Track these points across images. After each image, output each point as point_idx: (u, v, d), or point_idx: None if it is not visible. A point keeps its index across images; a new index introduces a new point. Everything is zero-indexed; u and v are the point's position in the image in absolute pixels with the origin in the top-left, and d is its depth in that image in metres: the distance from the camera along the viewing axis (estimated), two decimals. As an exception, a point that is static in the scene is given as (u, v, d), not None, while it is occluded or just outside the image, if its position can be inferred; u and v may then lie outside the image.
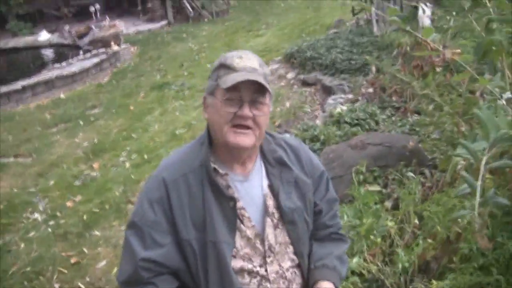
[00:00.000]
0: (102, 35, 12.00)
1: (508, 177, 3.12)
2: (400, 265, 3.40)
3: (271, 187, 2.31)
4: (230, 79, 2.10)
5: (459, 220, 3.16)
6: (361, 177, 4.51)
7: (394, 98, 6.51)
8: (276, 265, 2.30)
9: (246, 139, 2.18)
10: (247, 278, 2.25)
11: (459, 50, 3.92)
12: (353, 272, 3.44)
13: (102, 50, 11.66)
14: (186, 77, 9.90)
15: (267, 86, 2.13)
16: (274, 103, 7.58)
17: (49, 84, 10.18)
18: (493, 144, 2.65)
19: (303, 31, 12.13)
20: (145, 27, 15.22)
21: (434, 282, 3.14)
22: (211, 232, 2.17)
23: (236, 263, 2.23)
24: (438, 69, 5.16)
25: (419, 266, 3.43)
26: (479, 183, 2.48)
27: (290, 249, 2.35)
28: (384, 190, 4.46)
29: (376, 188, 4.43)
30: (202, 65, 10.42)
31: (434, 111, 4.80)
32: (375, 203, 4.05)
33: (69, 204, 5.87)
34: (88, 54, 11.52)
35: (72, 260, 4.79)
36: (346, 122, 5.99)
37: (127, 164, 6.68)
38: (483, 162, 2.56)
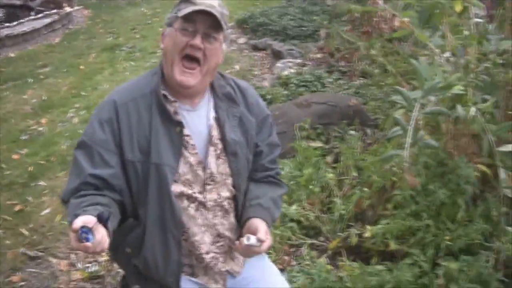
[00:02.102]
0: (54, -4, 11.84)
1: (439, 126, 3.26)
2: (337, 213, 3.52)
3: (217, 119, 2.40)
4: (188, 9, 2.17)
5: (394, 168, 3.28)
6: (305, 133, 4.61)
7: (342, 63, 6.64)
8: (215, 194, 2.40)
9: (190, 79, 2.26)
10: (185, 203, 2.34)
11: (407, 19, 4.03)
12: (292, 219, 3.54)
13: (54, 11, 11.48)
14: (138, 39, 9.88)
15: (222, 22, 2.21)
16: (224, 65, 7.62)
17: (-1, 42, 10.02)
18: (427, 92, 2.77)
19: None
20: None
21: (368, 227, 3.27)
22: (155, 154, 2.25)
23: (177, 188, 2.31)
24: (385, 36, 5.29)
25: (356, 214, 3.57)
26: (411, 125, 2.60)
27: (230, 180, 2.44)
28: (326, 146, 4.58)
29: (318, 144, 4.54)
30: (154, 28, 10.38)
31: (379, 73, 4.93)
32: (316, 157, 4.16)
33: (15, 156, 5.85)
34: (40, 15, 11.34)
35: (16, 208, 4.80)
36: (293, 84, 6.09)
37: (76, 120, 6.67)
38: (416, 107, 2.67)
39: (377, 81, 4.87)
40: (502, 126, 3.06)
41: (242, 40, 8.74)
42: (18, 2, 12.93)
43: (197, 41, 2.21)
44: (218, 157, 2.40)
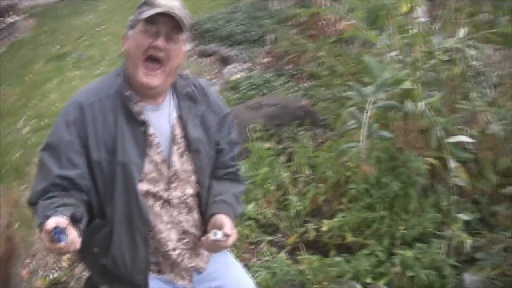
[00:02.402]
0: (-2, 6, 11.71)
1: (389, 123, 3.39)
2: (293, 210, 3.61)
3: (179, 118, 2.46)
4: (150, 12, 2.23)
5: (348, 163, 3.39)
6: (257, 134, 4.70)
7: (290, 66, 6.75)
8: (179, 191, 2.46)
9: (154, 79, 2.32)
10: (151, 201, 2.40)
11: (353, 21, 4.17)
12: (249, 218, 3.61)
13: (-2, 21, 11.37)
14: (86, 48, 9.87)
15: (184, 23, 2.27)
16: (173, 71, 7.68)
17: None
18: (378, 87, 2.88)
19: (203, 6, 12.23)
20: (43, 0, 14.91)
21: (325, 221, 3.37)
22: (121, 154, 2.30)
23: (143, 186, 2.36)
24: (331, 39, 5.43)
25: (312, 210, 3.66)
26: (365, 119, 2.71)
27: (193, 177, 2.51)
28: (278, 146, 4.67)
29: (271, 144, 4.63)
30: (101, 36, 10.38)
31: (327, 74, 5.05)
32: (270, 157, 4.25)
33: (-35, 168, 5.79)
34: (-17, 25, 11.22)
35: (-29, 219, 4.75)
36: (243, 88, 6.18)
37: (26, 129, 6.66)
38: (370, 102, 2.78)
39: (325, 82, 4.98)
40: (450, 119, 3.21)
41: (189, 46, 8.74)
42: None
43: (160, 42, 2.26)
44: (181, 155, 2.46)
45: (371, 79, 2.97)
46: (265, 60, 7.32)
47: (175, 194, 2.45)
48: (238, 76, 6.68)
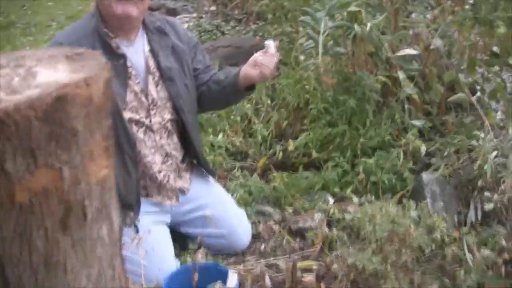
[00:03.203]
0: None
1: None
2: (260, 136, 3.86)
3: (152, 51, 2.70)
4: None
5: (306, 87, 3.64)
6: (215, 74, 4.90)
7: (236, 12, 6.94)
8: (158, 117, 2.71)
9: (131, 8, 2.54)
10: (134, 128, 2.65)
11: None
12: (219, 147, 3.85)
13: None
14: (30, 15, 9.81)
15: None
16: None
17: None
18: (329, 10, 3.13)
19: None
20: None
21: (291, 141, 3.64)
22: None
23: (126, 115, 2.59)
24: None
25: (277, 134, 3.92)
26: (320, 38, 2.96)
27: (169, 104, 2.75)
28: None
29: (230, 81, 4.83)
30: (44, 3, 10.34)
31: (274, 13, 5.25)
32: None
33: None
34: None
35: None
36: (195, 35, 6.33)
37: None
38: (322, 24, 3.03)
39: (274, 20, 5.19)
40: (395, 35, 3.48)
41: (134, 2, 8.85)
42: None
43: None
44: (156, 84, 2.71)
45: (321, 5, 3.21)
46: (212, 8, 7.48)
47: (154, 120, 2.70)
48: (188, 25, 6.84)
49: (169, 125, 2.79)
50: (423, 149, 3.43)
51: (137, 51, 2.70)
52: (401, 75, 3.32)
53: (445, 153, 3.47)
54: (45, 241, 1.11)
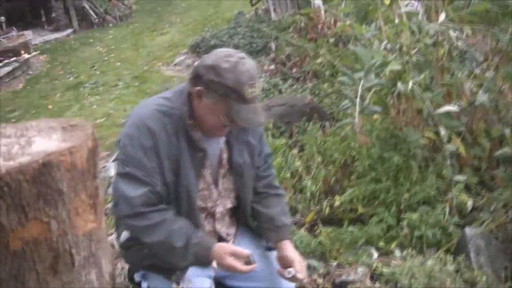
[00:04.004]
0: (11, 45, 12.15)
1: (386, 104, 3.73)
2: (308, 192, 3.97)
3: (227, 143, 2.79)
4: (243, 118, 2.52)
5: (351, 144, 3.74)
6: (269, 132, 5.06)
7: (294, 70, 7.12)
8: (221, 207, 2.83)
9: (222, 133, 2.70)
10: (202, 215, 2.77)
11: (348, 22, 4.53)
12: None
13: (13, 59, 11.77)
14: (98, 75, 10.23)
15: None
16: (185, 88, 8.04)
17: (-35, 96, 10.24)
18: (367, 70, 3.25)
19: (205, 26, 12.64)
20: (51, 36, 15.37)
21: (337, 197, 3.73)
22: (184, 176, 2.61)
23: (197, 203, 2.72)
24: (330, 40, 5.79)
25: (325, 190, 4.00)
26: (358, 99, 3.07)
27: (233, 194, 2.87)
28: (290, 140, 5.03)
29: (282, 140, 4.98)
30: (112, 63, 10.77)
31: (328, 72, 5.41)
32: (283, 149, 4.61)
33: None
34: (0, 64, 11.63)
35: None
36: (253, 94, 6.52)
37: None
38: (360, 83, 3.15)
39: (327, 79, 5.35)
40: (436, 93, 3.55)
41: (197, 63, 9.14)
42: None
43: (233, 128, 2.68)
44: (224, 176, 2.83)
45: (360, 65, 3.32)
46: (271, 67, 7.68)
47: (218, 209, 2.82)
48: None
49: (230, 213, 2.94)
50: (469, 203, 3.46)
51: (214, 142, 2.77)
52: (442, 131, 3.39)
53: (492, 208, 3.46)
54: (37, 282, 1.33)
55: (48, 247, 1.32)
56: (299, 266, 2.68)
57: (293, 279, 2.68)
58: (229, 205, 2.88)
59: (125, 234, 2.70)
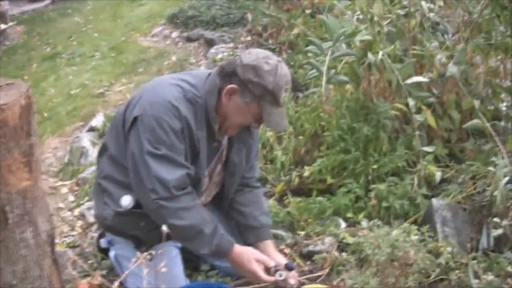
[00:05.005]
0: (-13, 15, 11.97)
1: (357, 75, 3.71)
2: (278, 163, 3.97)
3: (229, 139, 2.83)
4: (273, 121, 2.63)
5: (321, 114, 3.73)
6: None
7: (270, 41, 7.07)
8: (204, 197, 2.87)
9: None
10: None
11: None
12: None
13: (-12, 30, 11.63)
14: (75, 46, 10.12)
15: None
16: (161, 58, 8.02)
17: None
18: (336, 40, 3.23)
19: (184, -3, 12.54)
20: (29, 7, 15.07)
21: (306, 167, 3.73)
22: (200, 166, 2.67)
23: None
24: (306, 11, 5.75)
25: (295, 161, 4.00)
26: (325, 68, 3.06)
27: (217, 189, 2.95)
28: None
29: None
30: (89, 34, 10.64)
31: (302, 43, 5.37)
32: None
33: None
34: (-26, 35, 11.49)
35: None
36: (228, 65, 6.49)
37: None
38: (328, 53, 3.13)
39: (301, 50, 5.31)
40: (406, 63, 3.54)
41: (175, 34, 9.09)
42: (-51, 27, 12.96)
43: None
44: (219, 172, 2.86)
45: (329, 35, 3.30)
46: (247, 38, 7.64)
47: (201, 199, 2.85)
48: (223, 55, 7.02)
49: (210, 201, 2.99)
50: (438, 175, 3.47)
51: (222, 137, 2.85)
52: (410, 102, 3.39)
53: (460, 179, 3.48)
54: None
55: (-20, 204, 1.29)
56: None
57: (284, 282, 2.69)
58: (209, 198, 2.92)
59: (128, 201, 2.70)
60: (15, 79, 6.23)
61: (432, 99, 3.69)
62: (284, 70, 2.57)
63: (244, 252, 2.68)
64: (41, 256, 1.45)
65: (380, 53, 3.42)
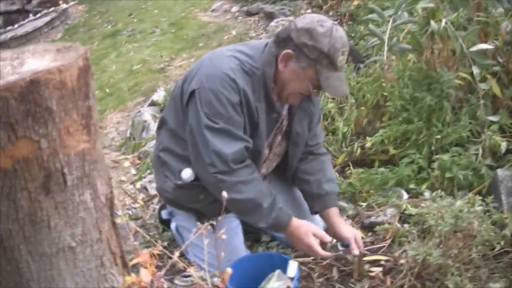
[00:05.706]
0: (49, -5, 12.23)
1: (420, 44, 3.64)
2: (340, 134, 3.95)
3: (289, 110, 2.80)
4: (331, 86, 2.53)
5: (383, 84, 3.69)
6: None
7: (330, 13, 7.00)
8: (264, 169, 2.87)
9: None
10: None
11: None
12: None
13: (51, 9, 11.86)
14: (136, 23, 10.21)
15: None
16: (221, 32, 8.03)
17: (4, 45, 10.33)
18: (398, 8, 3.17)
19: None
20: (89, -15, 15.37)
21: (368, 138, 3.70)
22: (259, 137, 2.66)
23: None
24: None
25: (357, 132, 3.98)
26: (387, 36, 3.01)
27: (278, 159, 2.93)
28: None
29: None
30: (149, 11, 10.72)
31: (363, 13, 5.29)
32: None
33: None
34: (39, 15, 11.72)
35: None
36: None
37: (91, 102, 7.07)
38: (390, 21, 3.08)
39: (363, 20, 5.25)
40: (470, 31, 3.45)
41: (235, 8, 9.08)
42: (14, 8, 13.27)
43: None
44: (280, 143, 2.84)
45: (391, 3, 3.25)
46: (308, 11, 7.57)
47: (262, 171, 2.85)
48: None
49: (267, 177, 2.98)
50: (503, 145, 3.38)
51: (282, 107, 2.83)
52: (475, 70, 3.31)
53: (528, 148, 3.39)
54: (29, 201, 1.35)
55: (39, 166, 1.33)
56: (355, 240, 2.73)
57: (346, 252, 2.74)
58: (270, 169, 2.91)
59: (188, 174, 2.72)
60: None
61: (497, 68, 3.59)
62: (340, 33, 2.51)
63: (301, 225, 2.66)
64: (100, 219, 1.48)
65: (443, 20, 3.34)
